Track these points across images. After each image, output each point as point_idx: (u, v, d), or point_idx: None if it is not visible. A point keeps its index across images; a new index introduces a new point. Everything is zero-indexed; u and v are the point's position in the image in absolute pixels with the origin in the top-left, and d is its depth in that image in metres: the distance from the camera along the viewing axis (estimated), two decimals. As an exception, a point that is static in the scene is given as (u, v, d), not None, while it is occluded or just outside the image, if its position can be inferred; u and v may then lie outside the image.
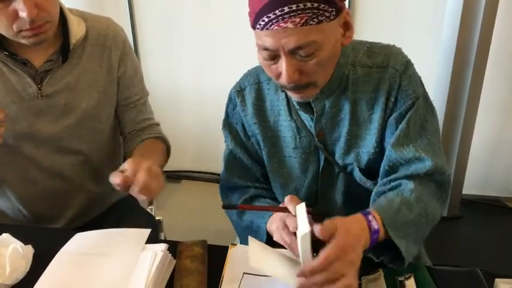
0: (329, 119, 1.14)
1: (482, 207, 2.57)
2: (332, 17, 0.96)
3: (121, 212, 1.56)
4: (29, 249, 1.11)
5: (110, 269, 1.05)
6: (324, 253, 0.85)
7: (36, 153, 1.33)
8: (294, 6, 0.92)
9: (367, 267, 1.02)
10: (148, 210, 1.78)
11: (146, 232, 1.14)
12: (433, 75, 2.31)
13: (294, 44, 0.95)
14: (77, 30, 1.28)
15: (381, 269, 1.03)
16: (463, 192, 2.48)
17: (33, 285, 1.02)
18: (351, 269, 0.87)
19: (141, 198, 1.10)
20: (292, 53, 0.97)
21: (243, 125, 1.25)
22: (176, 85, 2.76)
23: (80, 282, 1.02)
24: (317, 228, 0.87)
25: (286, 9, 0.92)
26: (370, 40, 1.17)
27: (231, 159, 1.30)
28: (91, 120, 1.35)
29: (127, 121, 1.45)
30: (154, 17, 2.60)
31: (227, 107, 1.27)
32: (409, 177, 1.08)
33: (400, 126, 1.09)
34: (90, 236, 1.17)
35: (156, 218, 1.70)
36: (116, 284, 1.00)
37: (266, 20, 0.94)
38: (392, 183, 1.10)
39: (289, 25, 0.93)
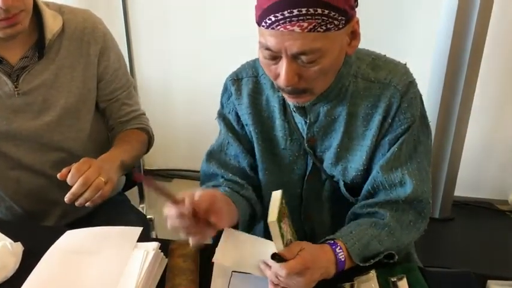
0: (322, 127, 1.12)
1: (474, 210, 2.57)
2: (341, 26, 0.93)
3: (112, 210, 1.54)
4: (19, 247, 1.09)
5: (100, 267, 1.04)
6: (288, 263, 0.91)
7: (16, 151, 1.31)
8: (303, 10, 0.88)
9: (359, 268, 1.02)
10: (140, 208, 1.77)
11: (138, 230, 1.13)
12: (427, 75, 2.32)
13: (297, 49, 0.92)
14: (52, 24, 1.25)
15: (373, 269, 1.02)
16: (455, 194, 2.49)
17: (23, 283, 1.01)
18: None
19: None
20: (294, 57, 0.94)
21: (236, 114, 1.22)
22: (169, 83, 2.73)
23: (70, 280, 1.01)
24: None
25: (295, 11, 0.88)
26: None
27: (217, 147, 1.27)
28: (71, 116, 1.33)
29: (111, 115, 1.44)
30: (148, 12, 2.58)
31: (222, 97, 1.24)
32: (387, 203, 1.09)
33: (392, 149, 1.08)
34: (80, 233, 1.15)
35: (148, 217, 1.69)
36: (106, 283, 0.99)
37: (273, 19, 0.91)
38: (369, 209, 1.11)
39: (296, 29, 0.90)
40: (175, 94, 2.76)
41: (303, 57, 0.94)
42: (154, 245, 1.07)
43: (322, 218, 1.23)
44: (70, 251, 1.09)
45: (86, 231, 1.16)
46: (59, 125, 1.31)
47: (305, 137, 1.14)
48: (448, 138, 2.35)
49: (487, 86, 2.35)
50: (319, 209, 1.22)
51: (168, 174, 2.90)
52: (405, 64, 1.12)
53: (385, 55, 1.14)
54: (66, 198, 1.11)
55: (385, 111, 1.07)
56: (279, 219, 0.90)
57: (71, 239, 1.13)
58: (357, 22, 0.99)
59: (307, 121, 1.12)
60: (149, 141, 1.49)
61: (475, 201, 2.60)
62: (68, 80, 1.31)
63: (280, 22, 0.90)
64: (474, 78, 2.22)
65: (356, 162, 1.12)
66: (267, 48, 0.96)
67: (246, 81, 1.19)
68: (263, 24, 0.94)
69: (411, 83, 1.08)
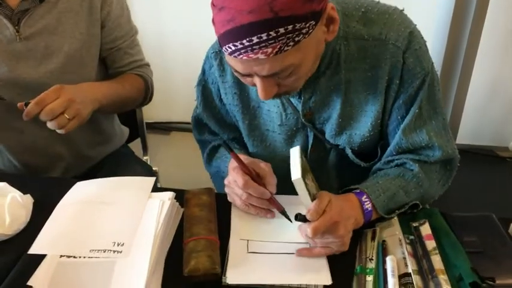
0: (318, 101, 1.04)
1: (475, 157, 2.58)
2: (311, 30, 0.81)
3: (117, 162, 1.51)
4: (29, 199, 1.06)
5: (116, 217, 1.01)
6: (313, 224, 0.89)
7: (20, 100, 1.25)
8: (264, 36, 0.77)
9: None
10: (144, 160, 1.74)
11: (151, 180, 1.10)
12: (433, 22, 2.26)
13: (267, 72, 0.84)
14: None
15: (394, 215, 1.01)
16: (457, 142, 2.48)
17: (35, 235, 0.98)
18: (339, 242, 0.91)
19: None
20: (267, 76, 0.86)
21: (218, 89, 1.14)
22: (165, 35, 2.66)
23: (85, 230, 0.98)
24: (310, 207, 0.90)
25: (255, 39, 0.78)
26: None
27: (198, 122, 1.25)
28: (75, 63, 1.28)
29: (112, 64, 1.38)
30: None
31: (204, 64, 1.16)
32: (415, 160, 1.04)
33: (412, 110, 1.00)
34: (92, 184, 1.12)
35: (153, 169, 1.66)
36: (124, 232, 0.96)
37: (233, 48, 0.81)
38: (396, 161, 1.06)
39: (261, 56, 0.80)
40: (172, 46, 2.69)
41: (277, 75, 0.86)
42: (170, 194, 1.04)
43: (330, 185, 1.18)
44: (83, 201, 1.06)
45: (97, 182, 1.12)
46: (63, 73, 1.26)
47: (300, 112, 1.06)
48: (451, 88, 2.33)
49: (492, 34, 2.30)
50: (326, 176, 1.17)
51: (167, 127, 2.86)
52: (402, 10, 1.00)
53: (378, 2, 1.00)
54: (24, 115, 1.06)
55: (388, 73, 0.97)
56: (303, 176, 0.87)
57: (83, 190, 1.10)
58: (332, 8, 0.86)
59: (301, 98, 1.04)
60: (146, 91, 1.42)
61: (477, 148, 2.60)
62: (71, 25, 1.25)
63: (242, 51, 0.80)
64: (480, 24, 2.18)
65: (361, 128, 1.05)
66: (236, 71, 0.88)
67: None
68: (224, 49, 0.84)
69: (411, 34, 0.96)
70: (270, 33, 0.77)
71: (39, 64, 1.23)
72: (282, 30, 0.78)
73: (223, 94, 1.14)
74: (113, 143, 1.53)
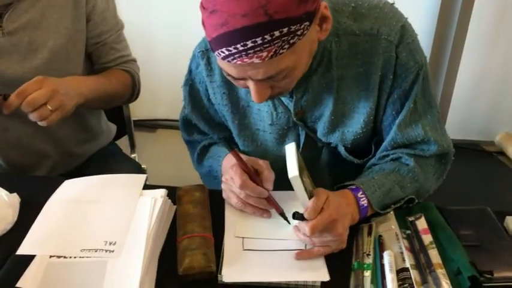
0: (310, 99, 1.03)
1: (462, 152, 2.57)
2: (306, 31, 0.80)
3: (105, 160, 1.49)
4: (15, 198, 1.03)
5: (107, 215, 0.98)
6: (311, 223, 0.87)
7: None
8: (259, 40, 0.76)
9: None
10: (132, 157, 1.71)
11: (142, 177, 1.07)
12: (420, 16, 2.26)
13: (262, 76, 0.82)
14: None
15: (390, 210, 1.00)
16: (443, 136, 2.50)
17: (23, 236, 0.95)
18: (338, 240, 0.90)
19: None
20: (262, 79, 0.84)
21: (206, 89, 1.12)
22: (150, 32, 2.63)
23: (76, 229, 0.95)
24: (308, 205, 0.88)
25: (249, 43, 0.76)
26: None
27: (187, 122, 1.23)
28: (61, 59, 1.24)
29: (98, 60, 1.34)
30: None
31: (191, 63, 1.13)
32: (411, 155, 1.03)
33: (407, 105, 0.99)
34: (80, 182, 1.09)
35: (142, 166, 1.64)
36: (115, 231, 0.94)
37: (226, 52, 0.79)
38: (391, 156, 1.05)
39: (256, 60, 0.78)
40: (158, 45, 2.66)
41: (272, 78, 0.84)
42: (162, 192, 1.02)
43: (323, 183, 1.15)
44: (72, 200, 1.03)
45: (86, 180, 1.10)
46: (48, 69, 1.21)
47: (292, 111, 1.05)
48: (439, 82, 2.34)
49: (479, 27, 2.31)
50: (319, 174, 1.14)
51: (153, 124, 2.83)
52: (392, 4, 0.99)
53: None
54: (4, 108, 1.03)
55: (381, 68, 0.96)
56: (300, 173, 0.86)
57: (71, 188, 1.07)
58: (325, 6, 0.85)
59: (293, 98, 1.02)
60: (133, 87, 1.39)
61: (463, 143, 2.62)
62: (56, 20, 1.21)
63: (236, 56, 0.79)
64: (467, 17, 2.19)
65: (354, 125, 1.04)
66: (229, 74, 0.86)
67: None
68: (216, 54, 0.82)
69: (403, 27, 0.95)
70: (265, 36, 0.76)
71: (24, 59, 1.20)
72: (277, 33, 0.76)
73: (211, 94, 1.12)
74: (100, 140, 1.50)
